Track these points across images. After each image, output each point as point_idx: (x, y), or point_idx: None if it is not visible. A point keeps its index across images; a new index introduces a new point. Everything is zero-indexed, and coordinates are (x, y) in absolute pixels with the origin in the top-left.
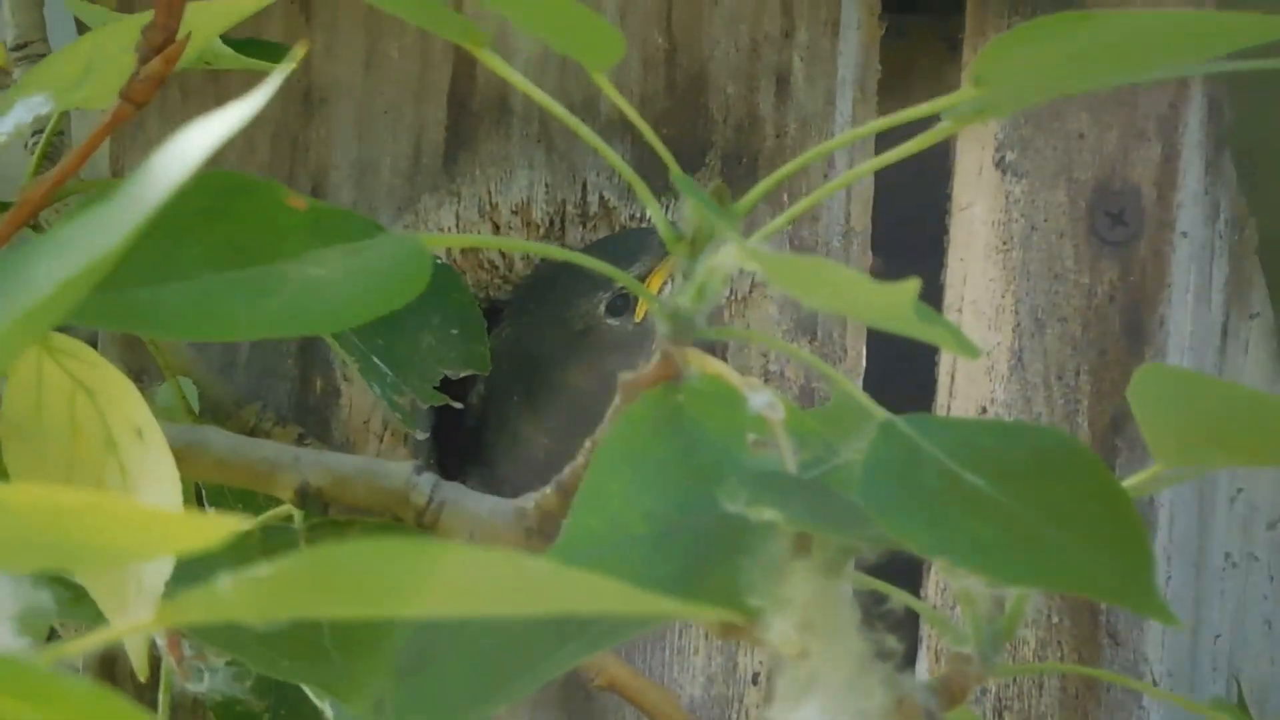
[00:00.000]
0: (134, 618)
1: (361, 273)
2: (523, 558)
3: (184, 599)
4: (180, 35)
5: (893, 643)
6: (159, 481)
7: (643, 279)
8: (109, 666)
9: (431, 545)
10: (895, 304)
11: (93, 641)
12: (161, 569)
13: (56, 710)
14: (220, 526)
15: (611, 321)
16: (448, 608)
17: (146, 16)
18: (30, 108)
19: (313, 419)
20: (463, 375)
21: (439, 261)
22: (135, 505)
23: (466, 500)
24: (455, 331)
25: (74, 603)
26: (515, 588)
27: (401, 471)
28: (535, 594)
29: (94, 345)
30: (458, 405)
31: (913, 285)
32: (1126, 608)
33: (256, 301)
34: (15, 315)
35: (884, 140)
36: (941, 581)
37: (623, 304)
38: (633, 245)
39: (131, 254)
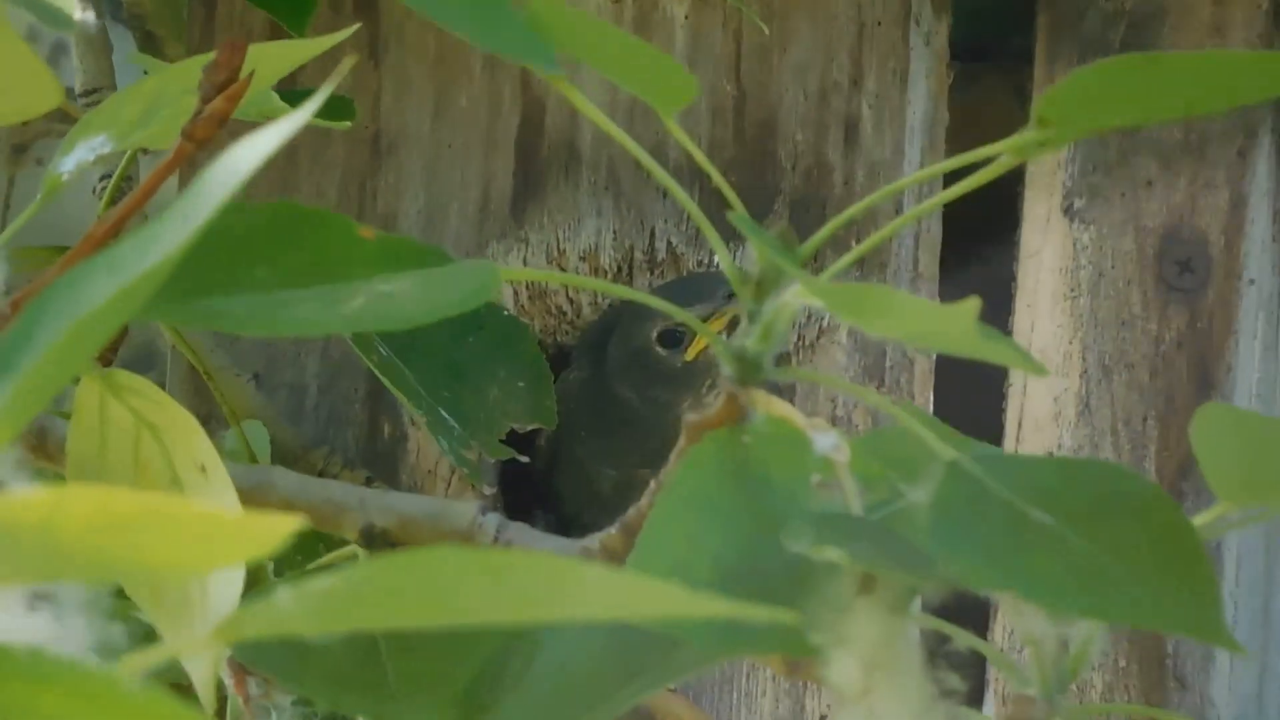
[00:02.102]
0: (195, 637)
1: (432, 283)
2: (583, 563)
3: (243, 612)
4: (243, 75)
5: (955, 682)
6: None
7: (704, 319)
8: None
9: (492, 553)
10: (958, 325)
11: (150, 658)
12: (228, 589)
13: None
14: (281, 527)
15: (661, 351)
16: (510, 614)
17: (209, 57)
18: (92, 147)
19: (380, 464)
20: (530, 428)
21: (506, 313)
22: (193, 507)
23: (531, 540)
24: (522, 384)
25: (145, 640)
26: (578, 592)
27: (467, 512)
28: (597, 597)
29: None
30: (525, 459)
31: (973, 304)
32: (1192, 637)
33: (327, 307)
34: (70, 326)
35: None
36: (1008, 625)
37: (676, 337)
38: (699, 287)
39: (198, 271)
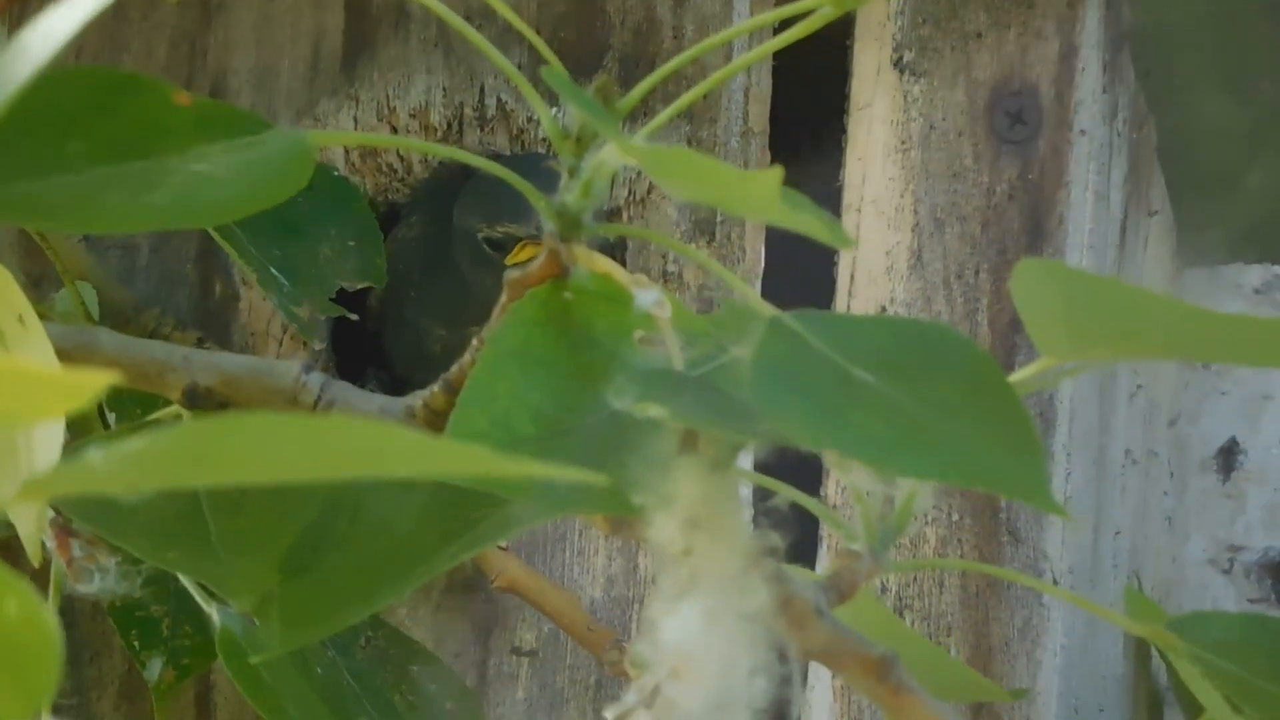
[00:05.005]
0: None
1: (245, 167)
2: (397, 428)
3: (54, 471)
4: None
5: (777, 539)
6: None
7: (516, 240)
8: (11, 561)
9: (304, 417)
10: (762, 192)
11: None
12: (51, 442)
13: None
14: (94, 381)
15: (489, 250)
16: (320, 472)
17: None
18: None
19: (213, 324)
20: (359, 287)
21: (336, 174)
22: (9, 361)
23: (355, 398)
24: (352, 243)
25: None
26: (392, 452)
27: (290, 370)
28: (411, 458)
29: None
30: (354, 317)
31: (776, 173)
32: (1015, 498)
33: (140, 195)
34: None
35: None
36: (841, 482)
37: (500, 244)
38: (515, 204)
39: (14, 148)
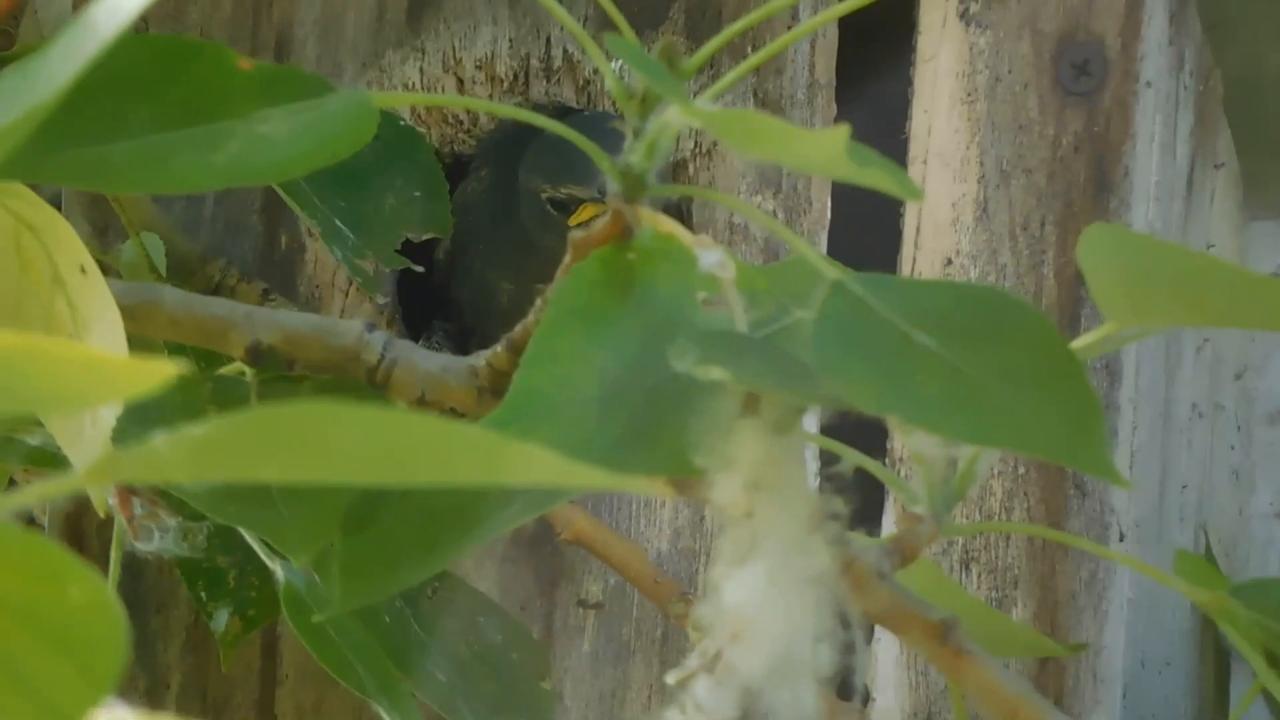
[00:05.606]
0: (85, 461)
1: (306, 127)
2: (462, 427)
3: (117, 458)
4: None
5: (839, 504)
6: (104, 318)
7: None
8: (74, 521)
9: (369, 411)
10: (828, 150)
11: (22, 499)
12: (111, 410)
13: None
14: (162, 371)
15: (553, 212)
16: (382, 475)
17: None
18: None
19: (277, 275)
20: (425, 238)
21: (402, 123)
22: (80, 349)
23: (418, 358)
24: (418, 194)
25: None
26: (451, 457)
27: (353, 329)
28: (471, 464)
29: (58, 205)
30: (419, 269)
31: (843, 130)
32: (1073, 465)
33: (202, 156)
34: None
35: None
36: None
37: (565, 205)
38: (579, 165)
39: (79, 116)
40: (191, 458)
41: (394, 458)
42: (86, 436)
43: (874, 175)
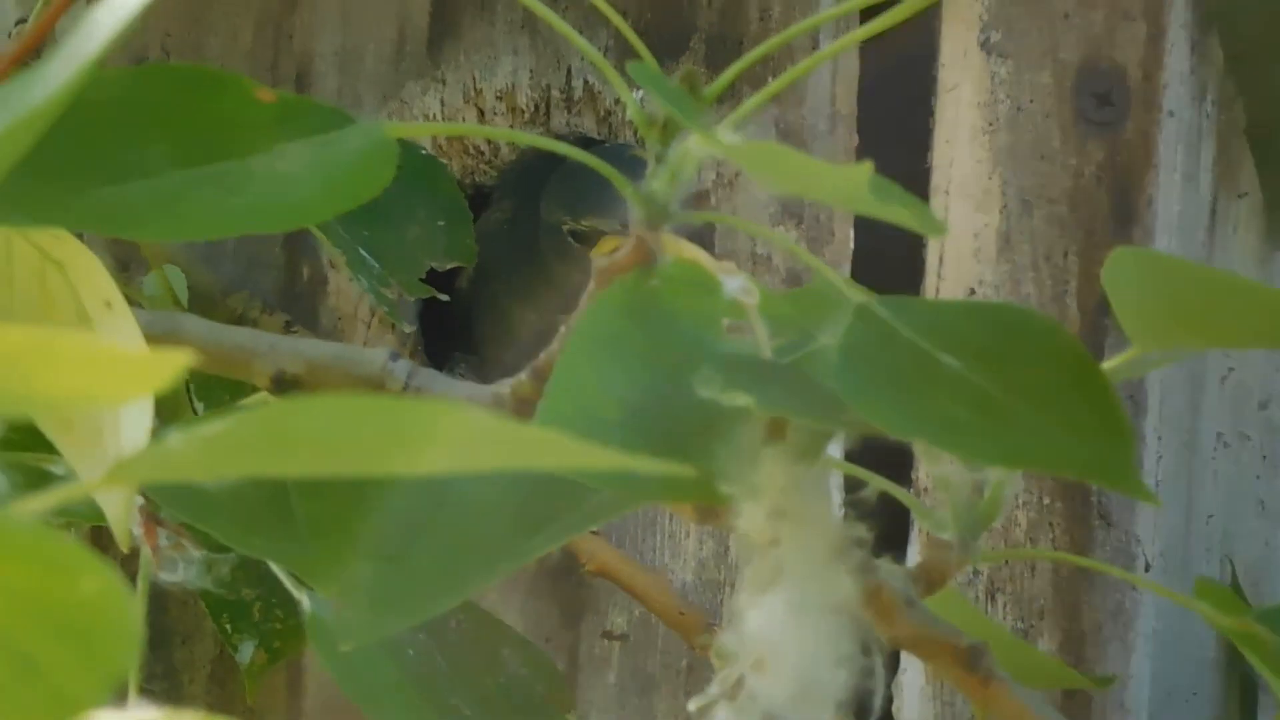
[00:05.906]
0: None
1: (327, 166)
2: (484, 413)
3: (137, 457)
4: None
5: (864, 531)
6: None
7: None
8: (102, 548)
9: (390, 400)
10: (851, 185)
11: (48, 500)
12: (138, 426)
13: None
14: (175, 361)
15: (574, 243)
16: (408, 464)
17: None
18: None
19: (300, 307)
20: (450, 267)
21: (424, 153)
22: (87, 341)
23: (442, 386)
24: (441, 223)
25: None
26: (484, 443)
27: (377, 358)
28: (499, 448)
29: (79, 234)
30: (444, 298)
31: (865, 166)
32: (1105, 484)
33: (222, 199)
34: None
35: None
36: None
37: (586, 235)
38: (602, 196)
39: (95, 150)
40: (208, 454)
41: (414, 447)
42: (105, 445)
43: (897, 211)
